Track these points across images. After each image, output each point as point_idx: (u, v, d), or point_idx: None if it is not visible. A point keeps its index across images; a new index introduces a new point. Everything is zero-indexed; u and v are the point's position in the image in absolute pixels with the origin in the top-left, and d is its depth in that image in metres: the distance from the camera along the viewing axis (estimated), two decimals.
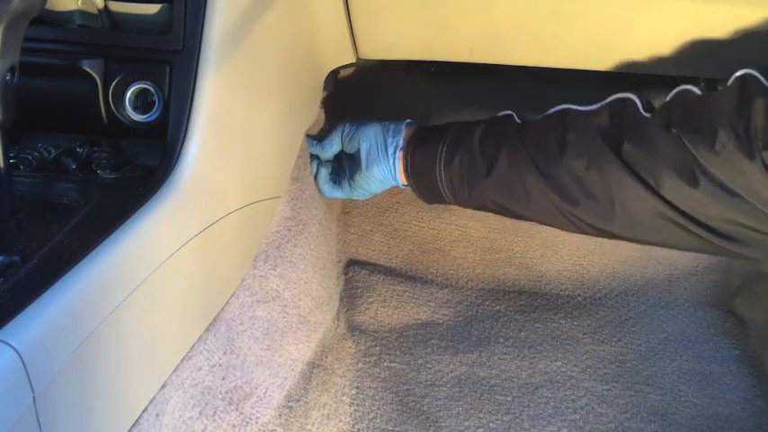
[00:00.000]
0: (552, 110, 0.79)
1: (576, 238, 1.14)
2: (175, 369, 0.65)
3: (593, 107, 0.76)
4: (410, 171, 0.85)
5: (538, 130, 0.77)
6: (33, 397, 0.45)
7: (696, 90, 0.70)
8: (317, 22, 0.85)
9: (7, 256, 0.52)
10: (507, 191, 0.77)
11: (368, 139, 0.87)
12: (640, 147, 0.69)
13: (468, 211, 1.17)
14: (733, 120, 0.63)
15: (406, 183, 0.87)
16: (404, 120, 0.88)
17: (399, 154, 0.85)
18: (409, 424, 0.88)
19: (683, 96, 0.70)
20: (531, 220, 0.80)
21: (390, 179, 0.87)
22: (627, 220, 0.71)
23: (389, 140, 0.86)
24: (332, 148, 0.91)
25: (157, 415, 0.61)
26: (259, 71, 0.75)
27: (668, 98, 0.72)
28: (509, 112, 0.83)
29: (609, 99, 0.76)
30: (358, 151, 0.88)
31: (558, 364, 0.97)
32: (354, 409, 0.89)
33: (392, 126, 0.87)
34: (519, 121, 0.81)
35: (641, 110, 0.73)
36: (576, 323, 1.04)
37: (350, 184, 0.92)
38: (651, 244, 0.75)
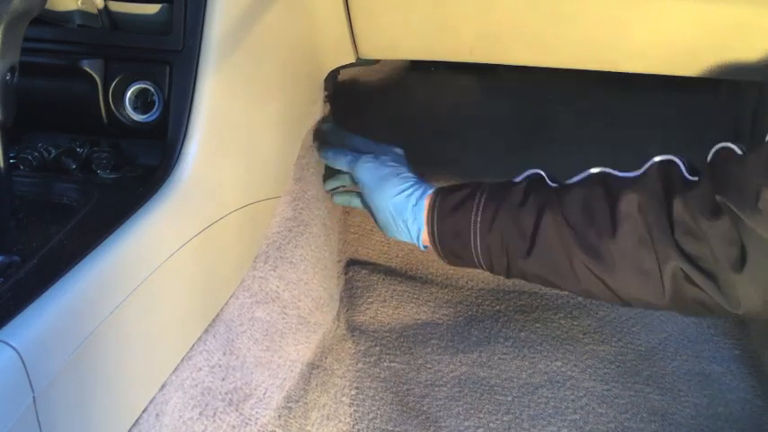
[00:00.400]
0: (588, 173, 0.74)
1: None
2: (175, 369, 0.65)
3: (636, 173, 0.72)
4: (439, 241, 0.79)
5: (580, 201, 0.71)
6: (33, 397, 0.45)
7: (736, 148, 0.67)
8: (317, 22, 0.85)
9: (7, 256, 0.52)
10: (552, 268, 0.73)
11: (386, 211, 0.81)
12: (693, 235, 0.65)
13: None
14: None
15: (429, 246, 0.81)
16: (425, 185, 0.81)
17: (424, 227, 0.79)
18: (409, 424, 0.88)
19: (722, 156, 0.67)
20: (577, 295, 0.76)
21: (411, 241, 0.83)
22: (675, 298, 0.68)
23: (410, 217, 0.79)
24: (338, 163, 0.87)
25: (157, 415, 0.61)
26: (259, 71, 0.75)
27: (708, 158, 0.69)
28: (538, 171, 0.77)
29: (650, 164, 0.71)
30: (373, 213, 0.84)
31: (558, 364, 0.97)
32: (354, 410, 0.89)
33: (413, 196, 0.80)
34: (552, 184, 0.76)
35: (686, 174, 0.69)
36: (575, 323, 1.04)
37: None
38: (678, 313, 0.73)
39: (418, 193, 0.80)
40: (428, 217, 0.79)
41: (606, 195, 0.70)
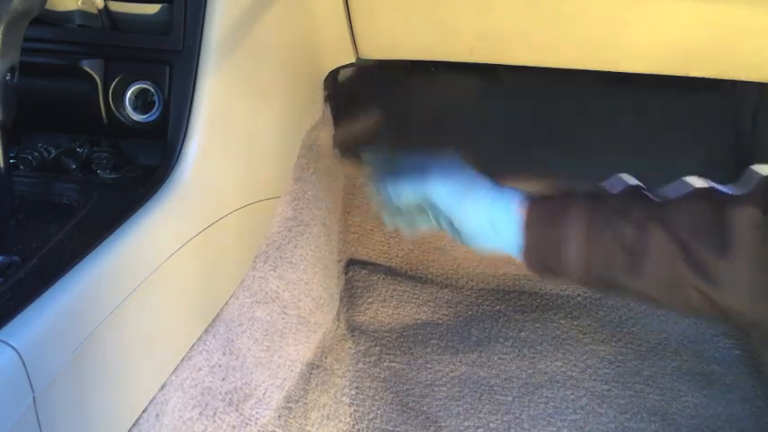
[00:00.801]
0: (692, 187, 0.70)
1: None
2: (175, 369, 0.65)
3: (741, 190, 0.68)
4: (532, 254, 0.73)
5: (688, 216, 0.67)
6: (33, 397, 0.45)
7: None
8: (317, 22, 0.85)
9: (7, 256, 0.52)
10: (658, 286, 0.68)
11: (479, 225, 0.73)
12: None
13: None
14: None
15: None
16: (508, 190, 0.74)
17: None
18: (409, 424, 0.88)
19: None
20: (683, 314, 0.73)
21: (506, 252, 0.75)
22: None
23: (505, 227, 0.72)
24: (404, 199, 0.76)
25: (157, 415, 0.61)
26: (259, 71, 0.75)
27: None
28: (628, 180, 0.72)
29: (756, 177, 0.67)
30: (456, 227, 0.76)
31: (558, 364, 0.97)
32: (354, 410, 0.89)
33: (504, 204, 0.73)
34: (646, 192, 0.71)
35: None
36: (575, 323, 1.04)
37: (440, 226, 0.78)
38: None
39: (508, 200, 0.73)
40: (522, 228, 0.72)
41: (715, 211, 0.66)
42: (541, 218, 0.72)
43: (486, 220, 0.73)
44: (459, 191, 0.75)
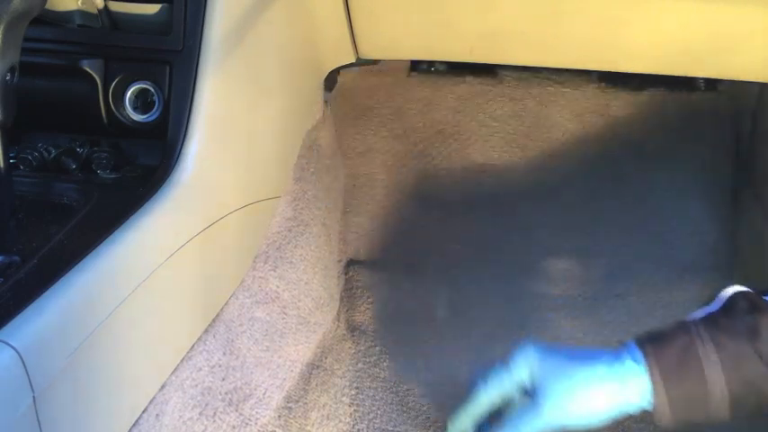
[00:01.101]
0: None
1: (575, 238, 1.13)
2: (175, 369, 0.65)
3: None
4: (671, 409, 0.63)
5: None
6: (33, 397, 0.45)
7: None
8: (317, 22, 0.85)
9: (7, 256, 0.52)
10: None
11: (601, 402, 0.63)
12: None
13: (467, 211, 1.17)
14: None
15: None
16: (606, 350, 0.66)
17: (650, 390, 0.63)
18: (409, 424, 0.88)
19: None
20: None
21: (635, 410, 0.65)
22: None
23: (632, 390, 0.63)
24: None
25: (157, 415, 0.61)
26: (259, 71, 0.75)
27: None
28: (739, 289, 0.66)
29: None
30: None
31: None
32: (354, 410, 0.89)
33: (619, 367, 0.65)
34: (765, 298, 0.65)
35: None
36: (576, 323, 1.04)
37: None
38: None
39: (627, 362, 0.65)
40: (652, 387, 0.63)
41: None
42: (669, 370, 0.63)
43: (611, 395, 0.64)
44: (563, 393, 0.64)
